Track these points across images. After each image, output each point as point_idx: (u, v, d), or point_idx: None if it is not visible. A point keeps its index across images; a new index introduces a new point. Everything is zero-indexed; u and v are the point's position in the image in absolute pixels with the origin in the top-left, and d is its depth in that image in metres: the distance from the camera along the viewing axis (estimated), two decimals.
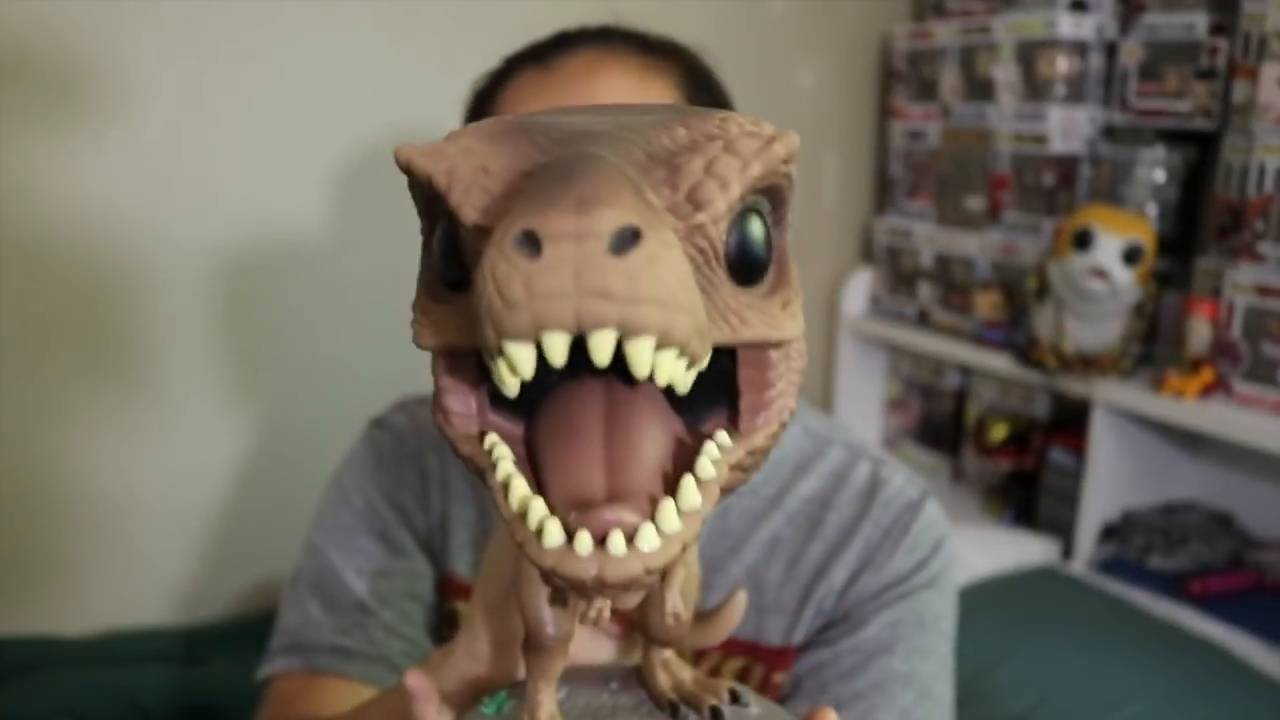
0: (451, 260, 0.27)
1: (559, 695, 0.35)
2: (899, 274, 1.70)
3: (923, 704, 0.57)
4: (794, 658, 0.60)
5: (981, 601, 1.27)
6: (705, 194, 0.25)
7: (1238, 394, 1.20)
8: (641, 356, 0.23)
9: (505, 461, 0.26)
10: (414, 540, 0.67)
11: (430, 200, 0.28)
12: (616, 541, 0.24)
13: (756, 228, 0.27)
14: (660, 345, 0.23)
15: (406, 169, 0.27)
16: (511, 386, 0.25)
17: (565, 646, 0.34)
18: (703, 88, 0.65)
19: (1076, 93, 1.43)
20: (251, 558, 1.31)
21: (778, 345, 0.28)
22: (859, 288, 1.76)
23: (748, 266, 0.27)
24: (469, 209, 0.26)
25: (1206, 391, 1.22)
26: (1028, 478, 1.53)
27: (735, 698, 0.36)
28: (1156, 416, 1.26)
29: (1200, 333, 1.23)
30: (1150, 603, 1.27)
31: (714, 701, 0.35)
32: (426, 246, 0.29)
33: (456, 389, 0.28)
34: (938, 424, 1.74)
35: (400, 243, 1.33)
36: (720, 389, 0.28)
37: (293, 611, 0.66)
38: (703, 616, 0.42)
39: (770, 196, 0.28)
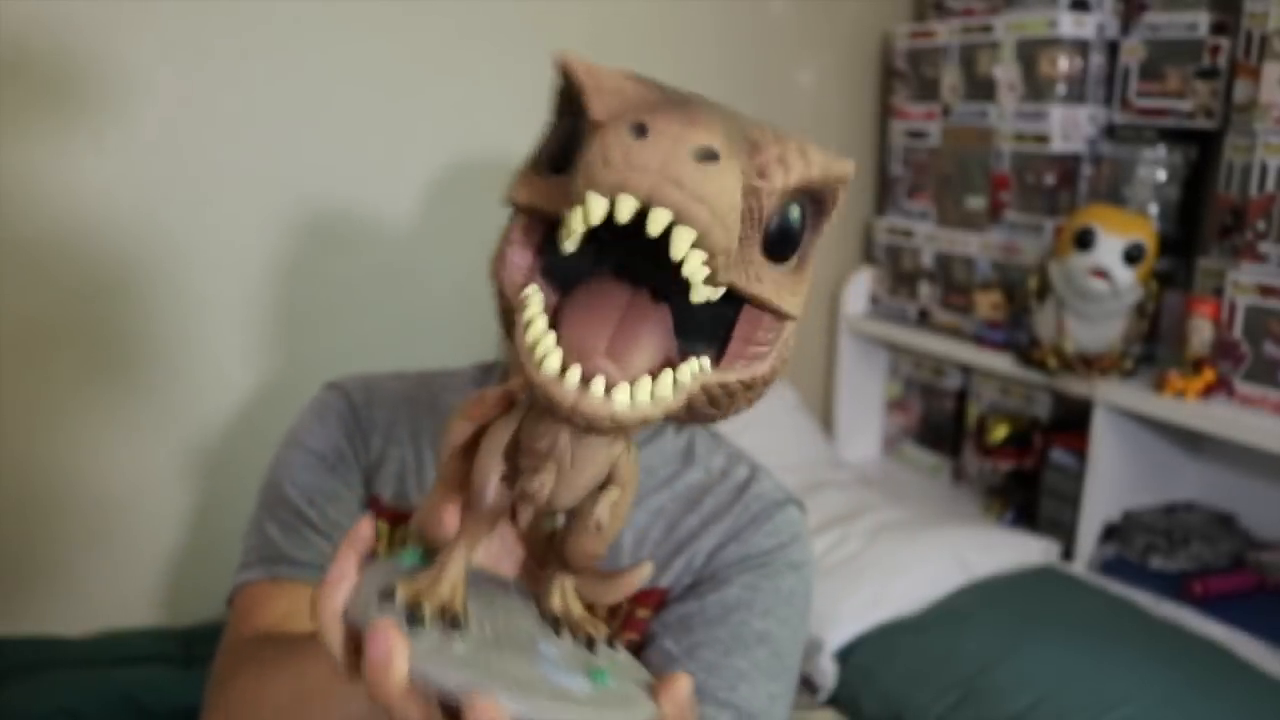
0: (563, 149, 0.33)
1: None
2: (899, 274, 1.70)
3: (774, 663, 0.65)
4: (659, 598, 0.69)
5: (981, 601, 1.27)
6: (771, 170, 0.31)
7: (1239, 394, 1.19)
8: (682, 240, 0.29)
9: (535, 305, 0.32)
10: (359, 475, 0.76)
11: (567, 99, 0.34)
12: (597, 385, 0.31)
13: (795, 217, 0.33)
14: (697, 243, 0.29)
15: (564, 69, 0.33)
16: (574, 240, 0.30)
17: (494, 519, 0.39)
18: None
19: (1078, 92, 1.42)
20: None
21: (777, 314, 0.34)
22: (859, 287, 1.76)
23: (779, 244, 0.33)
24: (599, 107, 0.32)
25: (1208, 392, 1.21)
26: (1028, 478, 1.53)
27: (610, 640, 0.41)
28: (1158, 417, 1.26)
29: (1202, 333, 1.22)
30: (1152, 603, 1.27)
31: (591, 632, 0.40)
32: (549, 132, 0.35)
33: (522, 245, 0.34)
34: (938, 424, 1.73)
35: (400, 241, 1.33)
36: (716, 340, 0.34)
37: (253, 535, 0.74)
38: (607, 575, 0.46)
39: (816, 203, 0.33)
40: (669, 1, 1.49)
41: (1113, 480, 1.36)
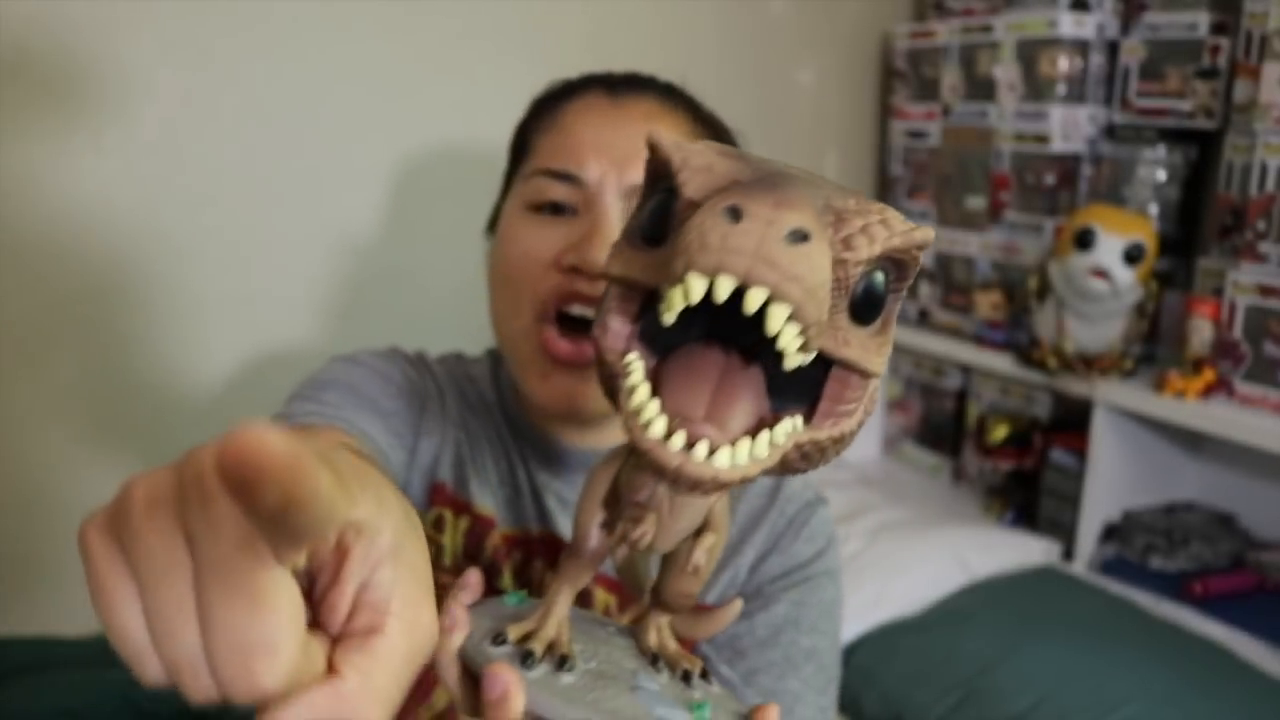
0: (657, 222, 0.35)
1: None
2: None
3: (820, 675, 0.67)
4: None
5: (981, 601, 1.27)
6: (856, 242, 0.32)
7: (1239, 394, 1.19)
8: (778, 316, 0.30)
9: (637, 372, 0.34)
10: (400, 433, 0.69)
11: (658, 176, 0.36)
12: (700, 449, 0.32)
13: (880, 282, 0.34)
14: (791, 317, 0.31)
15: (653, 148, 0.36)
16: (673, 314, 0.32)
17: (595, 564, 0.42)
18: None
19: (1078, 92, 1.42)
20: None
21: (864, 374, 0.35)
22: None
23: (864, 309, 0.34)
24: (691, 187, 0.34)
25: (1208, 391, 1.21)
26: (1029, 478, 1.53)
27: (704, 674, 0.43)
28: (1158, 417, 1.26)
29: (1202, 333, 1.22)
30: (1152, 603, 1.27)
31: (687, 667, 0.42)
32: (640, 206, 0.37)
33: (620, 314, 0.36)
34: (938, 424, 1.73)
35: (400, 242, 1.33)
36: (806, 399, 0.36)
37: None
38: (699, 612, 0.49)
39: (898, 269, 0.35)
40: (669, 1, 1.49)
41: (1113, 480, 1.36)
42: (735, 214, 0.30)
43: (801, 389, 0.35)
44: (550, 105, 0.71)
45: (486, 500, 0.69)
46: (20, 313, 1.12)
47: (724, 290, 0.30)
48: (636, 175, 0.63)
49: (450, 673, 0.39)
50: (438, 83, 1.32)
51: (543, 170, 0.65)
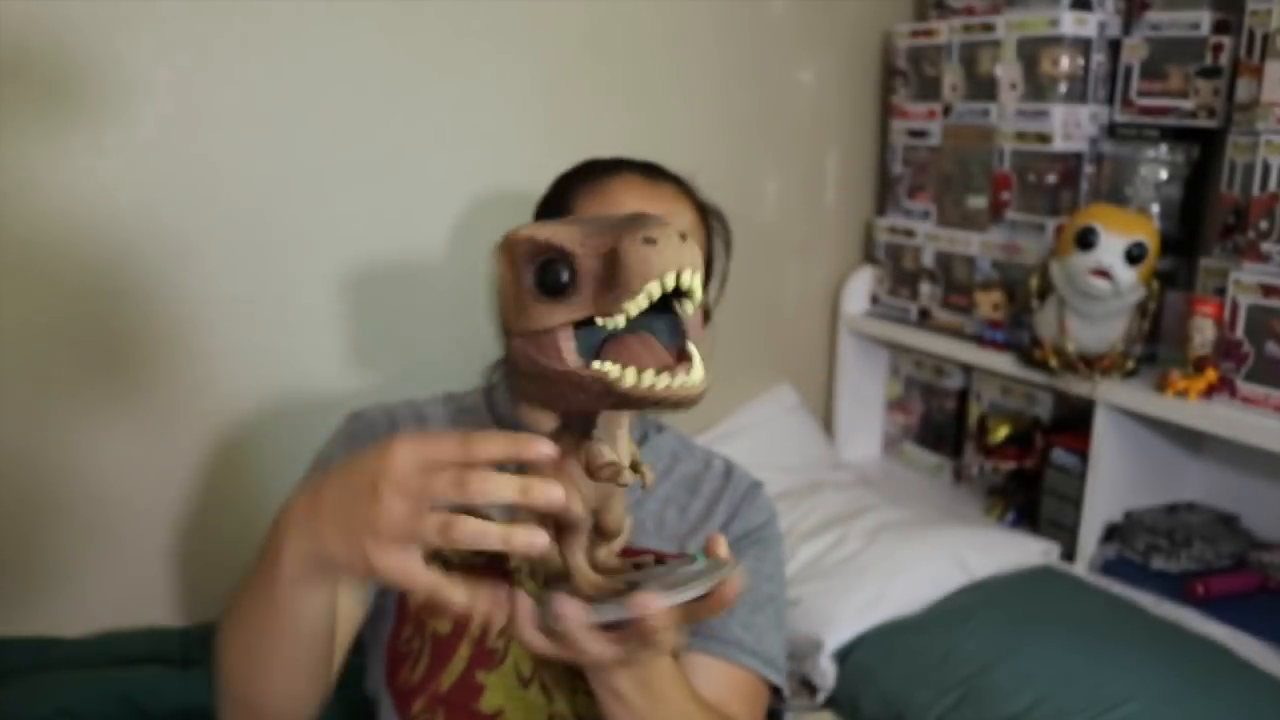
0: (549, 280, 0.51)
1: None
2: (900, 273, 1.69)
3: (777, 617, 0.88)
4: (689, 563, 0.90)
5: (981, 601, 1.27)
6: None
7: (1241, 394, 1.19)
8: (698, 282, 0.51)
9: (613, 368, 0.51)
10: None
11: (533, 255, 0.51)
12: (679, 377, 0.51)
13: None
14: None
15: (532, 240, 0.51)
16: (635, 313, 0.50)
17: (585, 529, 0.59)
18: (711, 230, 0.96)
19: (1079, 91, 1.42)
20: (250, 559, 1.30)
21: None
22: (860, 287, 1.76)
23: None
24: (574, 248, 0.50)
25: (1210, 391, 1.21)
26: (1030, 478, 1.52)
27: (658, 560, 0.64)
28: (1160, 417, 1.26)
29: (1204, 332, 1.22)
30: (1153, 604, 1.26)
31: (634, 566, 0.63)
32: (515, 282, 0.52)
33: (566, 341, 0.51)
34: (939, 424, 1.73)
35: (399, 240, 1.33)
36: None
37: None
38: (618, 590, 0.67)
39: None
40: (669, 1, 1.49)
41: (1114, 480, 1.36)
42: (650, 241, 0.49)
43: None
44: (593, 176, 0.88)
45: None
46: (21, 313, 1.12)
47: (670, 282, 0.49)
48: None
49: (538, 642, 0.58)
50: (438, 82, 1.32)
51: None
